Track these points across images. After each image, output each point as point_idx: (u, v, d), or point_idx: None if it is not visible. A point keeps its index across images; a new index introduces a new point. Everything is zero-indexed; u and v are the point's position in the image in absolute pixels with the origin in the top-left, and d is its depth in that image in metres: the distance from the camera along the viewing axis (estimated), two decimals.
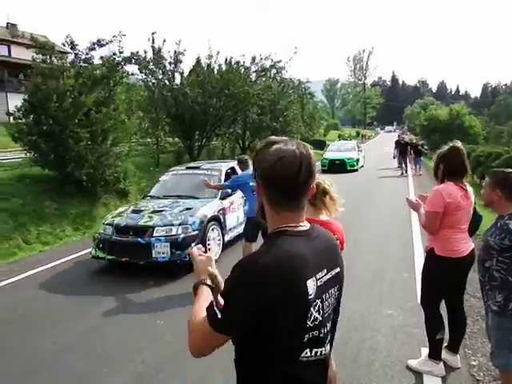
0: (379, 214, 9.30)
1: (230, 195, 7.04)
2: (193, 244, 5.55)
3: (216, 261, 5.25)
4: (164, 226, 5.79)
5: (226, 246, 6.78)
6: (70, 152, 9.37)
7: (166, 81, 15.41)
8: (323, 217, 2.48)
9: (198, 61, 15.90)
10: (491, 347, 2.78)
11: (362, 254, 6.31)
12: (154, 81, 15.28)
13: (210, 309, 1.20)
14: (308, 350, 1.20)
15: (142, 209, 6.41)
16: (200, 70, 15.73)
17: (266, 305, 1.11)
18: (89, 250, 6.48)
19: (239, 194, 6.90)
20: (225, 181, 7.05)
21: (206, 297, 1.33)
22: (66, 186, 9.70)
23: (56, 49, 10.84)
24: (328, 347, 1.29)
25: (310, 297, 1.16)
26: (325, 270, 1.24)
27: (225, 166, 8.07)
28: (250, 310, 1.12)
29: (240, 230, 7.14)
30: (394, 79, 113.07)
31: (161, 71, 15.16)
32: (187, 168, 8.43)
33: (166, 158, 15.53)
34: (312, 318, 1.18)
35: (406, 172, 16.99)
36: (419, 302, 3.40)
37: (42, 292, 5.42)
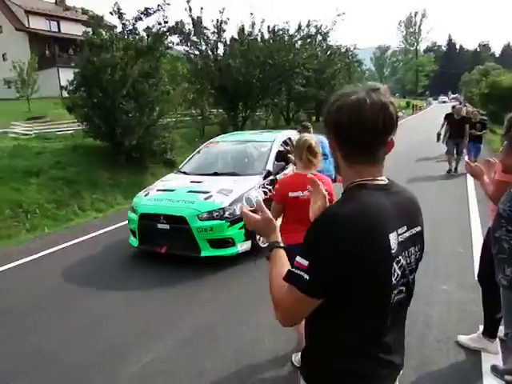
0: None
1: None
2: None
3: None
4: None
5: None
6: (119, 123, 9.66)
7: (210, 51, 15.29)
8: (311, 171, 2.82)
9: (242, 29, 15.55)
10: (504, 328, 2.58)
11: None
12: (196, 52, 15.21)
13: (292, 273, 1.12)
14: (392, 310, 1.16)
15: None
16: (244, 39, 15.43)
17: (350, 255, 1.05)
18: None
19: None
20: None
21: (284, 261, 1.26)
22: (116, 157, 10.06)
23: (104, 21, 11.03)
24: (406, 310, 1.25)
25: (392, 251, 1.10)
26: (405, 227, 1.17)
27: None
28: (338, 265, 1.05)
29: None
30: (451, 44, 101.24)
31: (203, 42, 15.03)
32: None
33: (210, 130, 15.63)
34: (395, 274, 1.12)
35: (456, 170, 10.10)
36: (476, 278, 3.21)
37: (98, 255, 5.70)
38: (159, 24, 11.04)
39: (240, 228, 4.94)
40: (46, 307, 4.20)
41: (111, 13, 10.87)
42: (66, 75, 12.24)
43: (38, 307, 4.20)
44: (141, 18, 10.91)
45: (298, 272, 1.09)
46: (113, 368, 3.13)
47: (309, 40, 17.97)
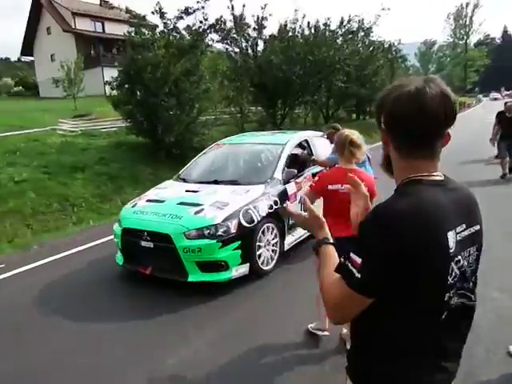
0: None
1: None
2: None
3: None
4: None
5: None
6: (160, 120, 9.85)
7: (249, 48, 15.25)
8: (353, 165, 2.98)
9: (285, 25, 15.39)
10: None
11: None
12: (236, 50, 15.22)
13: (343, 269, 1.09)
14: (447, 311, 1.09)
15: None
16: (284, 35, 15.28)
17: (406, 254, 1.00)
18: None
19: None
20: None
21: (334, 258, 1.23)
22: (157, 153, 10.25)
23: (147, 21, 11.28)
24: (471, 311, 1.18)
25: (450, 250, 1.04)
26: (464, 225, 1.10)
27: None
28: (391, 262, 1.00)
29: None
30: (505, 35, 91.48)
31: (243, 39, 15.01)
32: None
33: (249, 127, 15.65)
34: (453, 274, 1.07)
35: (511, 171, 9.22)
36: None
37: None
38: (200, 22, 11.16)
39: (235, 249, 4.19)
40: (83, 301, 4.25)
41: (153, 12, 11.08)
42: (110, 74, 12.61)
43: (75, 300, 4.28)
44: (182, 17, 11.05)
45: (351, 268, 1.06)
46: None
47: (350, 36, 17.53)
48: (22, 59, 43.88)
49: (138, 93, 9.98)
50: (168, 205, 4.58)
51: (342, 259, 1.11)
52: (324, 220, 1.35)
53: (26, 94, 34.07)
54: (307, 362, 3.08)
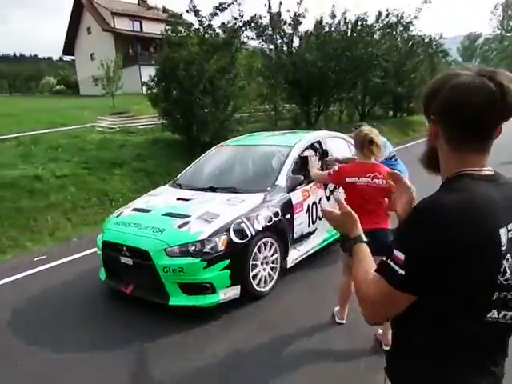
0: None
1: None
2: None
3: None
4: None
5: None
6: (195, 117, 9.93)
7: (285, 45, 15.08)
8: (371, 161, 3.06)
9: (321, 21, 15.11)
10: None
11: None
12: (271, 46, 15.09)
13: (386, 269, 1.06)
14: (495, 311, 1.04)
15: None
16: (320, 31, 15.02)
17: (452, 249, 0.96)
18: None
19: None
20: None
21: (369, 257, 1.22)
22: (192, 150, 10.33)
23: (183, 19, 11.38)
24: None
25: (502, 247, 1.00)
26: None
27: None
28: (434, 257, 0.97)
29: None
30: None
31: (279, 36, 14.84)
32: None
33: (283, 124, 15.55)
34: (506, 273, 1.02)
35: None
36: None
37: None
38: (235, 19, 11.11)
39: (223, 269, 3.65)
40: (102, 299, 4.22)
41: (187, 11, 11.09)
42: (147, 72, 12.86)
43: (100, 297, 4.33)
44: (216, 14, 11.02)
45: (394, 267, 1.03)
46: None
47: (388, 30, 16.97)
48: (64, 58, 45.76)
49: (174, 91, 10.10)
50: (153, 215, 4.10)
51: (384, 258, 1.08)
52: (357, 218, 1.32)
53: (68, 92, 35.51)
54: (341, 360, 3.03)
